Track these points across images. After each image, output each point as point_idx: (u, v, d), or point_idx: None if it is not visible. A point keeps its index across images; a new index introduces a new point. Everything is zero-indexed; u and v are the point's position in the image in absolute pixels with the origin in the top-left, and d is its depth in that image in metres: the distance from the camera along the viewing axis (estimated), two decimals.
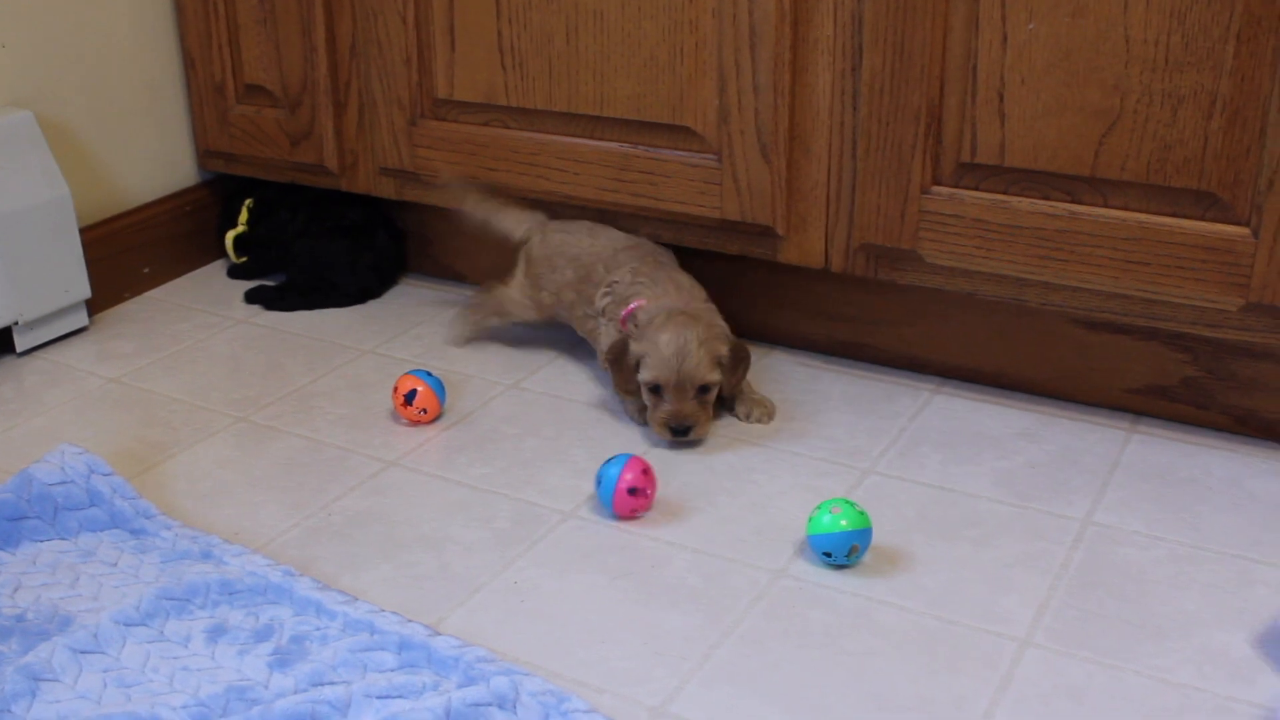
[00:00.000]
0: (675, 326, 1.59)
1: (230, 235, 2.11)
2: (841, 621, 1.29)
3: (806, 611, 1.31)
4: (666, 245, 1.79)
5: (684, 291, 1.68)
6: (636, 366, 1.61)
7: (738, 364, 1.64)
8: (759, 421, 1.67)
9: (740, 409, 1.68)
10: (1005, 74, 1.47)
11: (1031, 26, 1.44)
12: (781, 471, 1.55)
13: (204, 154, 2.13)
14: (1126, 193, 1.47)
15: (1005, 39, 1.46)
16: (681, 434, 1.60)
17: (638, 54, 1.67)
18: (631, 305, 1.66)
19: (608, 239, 1.78)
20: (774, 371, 1.78)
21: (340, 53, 1.92)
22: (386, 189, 1.97)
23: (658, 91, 1.68)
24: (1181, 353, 1.59)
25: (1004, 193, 1.53)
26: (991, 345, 1.70)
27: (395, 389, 1.67)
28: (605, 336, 1.71)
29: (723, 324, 1.65)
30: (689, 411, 1.59)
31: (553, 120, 1.78)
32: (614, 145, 1.74)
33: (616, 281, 1.71)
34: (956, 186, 1.55)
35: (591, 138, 1.76)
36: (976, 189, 1.54)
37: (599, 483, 1.47)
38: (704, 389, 1.60)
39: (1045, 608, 1.30)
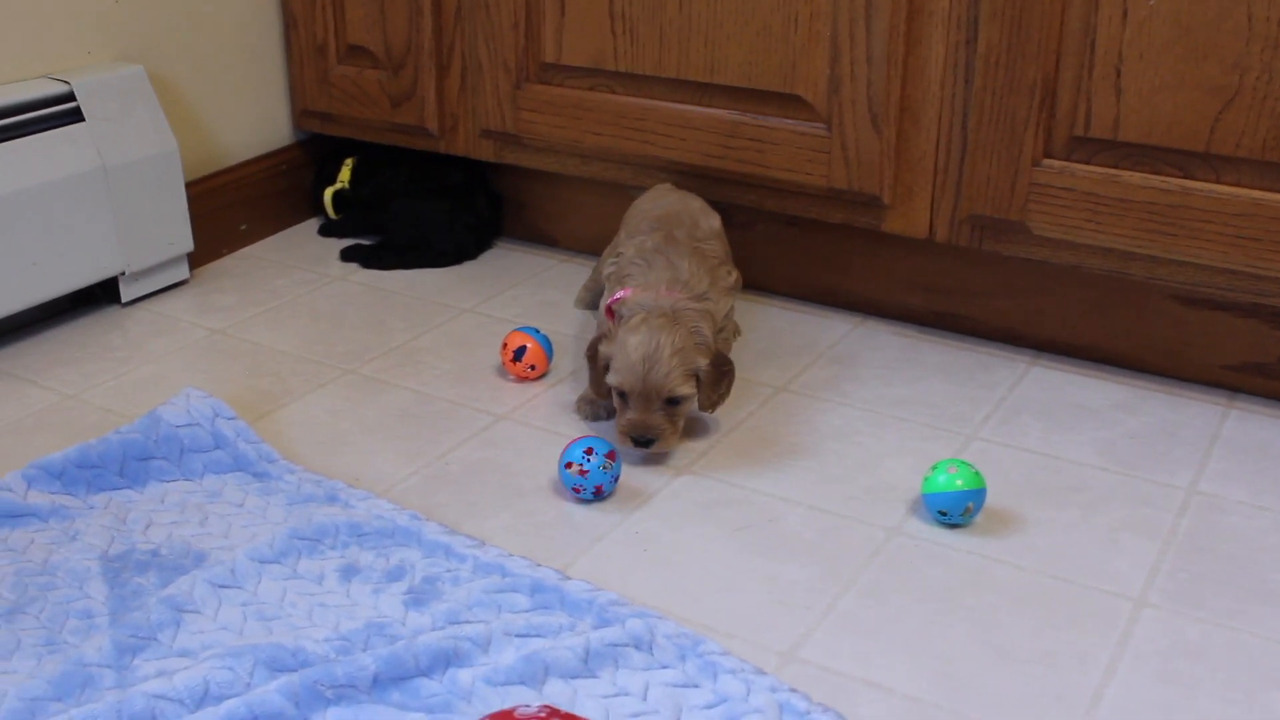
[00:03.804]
0: (648, 329, 1.46)
1: (329, 192, 2.14)
2: (959, 578, 1.32)
3: (924, 567, 1.34)
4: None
5: (678, 284, 1.53)
6: (606, 368, 1.50)
7: (720, 378, 1.50)
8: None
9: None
10: (1124, 49, 1.49)
11: (1152, 3, 1.46)
12: (887, 434, 1.57)
13: (301, 114, 2.16)
14: (1240, 169, 1.49)
15: (1125, 14, 1.48)
16: (643, 445, 1.48)
17: (751, 22, 1.70)
18: (618, 294, 1.55)
19: (659, 198, 1.72)
20: (871, 340, 1.81)
21: (445, 16, 1.94)
22: (485, 151, 2.00)
23: (769, 60, 1.70)
24: None
25: (1116, 166, 1.55)
26: (1088, 320, 1.72)
27: (504, 345, 1.69)
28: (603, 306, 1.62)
29: (707, 333, 1.50)
30: (653, 423, 1.46)
31: (661, 86, 1.80)
32: (723, 112, 1.76)
33: (621, 254, 1.63)
34: (1068, 160, 1.57)
35: (700, 104, 1.78)
36: (1088, 163, 1.56)
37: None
38: (672, 401, 1.47)
39: (1157, 570, 1.33)
